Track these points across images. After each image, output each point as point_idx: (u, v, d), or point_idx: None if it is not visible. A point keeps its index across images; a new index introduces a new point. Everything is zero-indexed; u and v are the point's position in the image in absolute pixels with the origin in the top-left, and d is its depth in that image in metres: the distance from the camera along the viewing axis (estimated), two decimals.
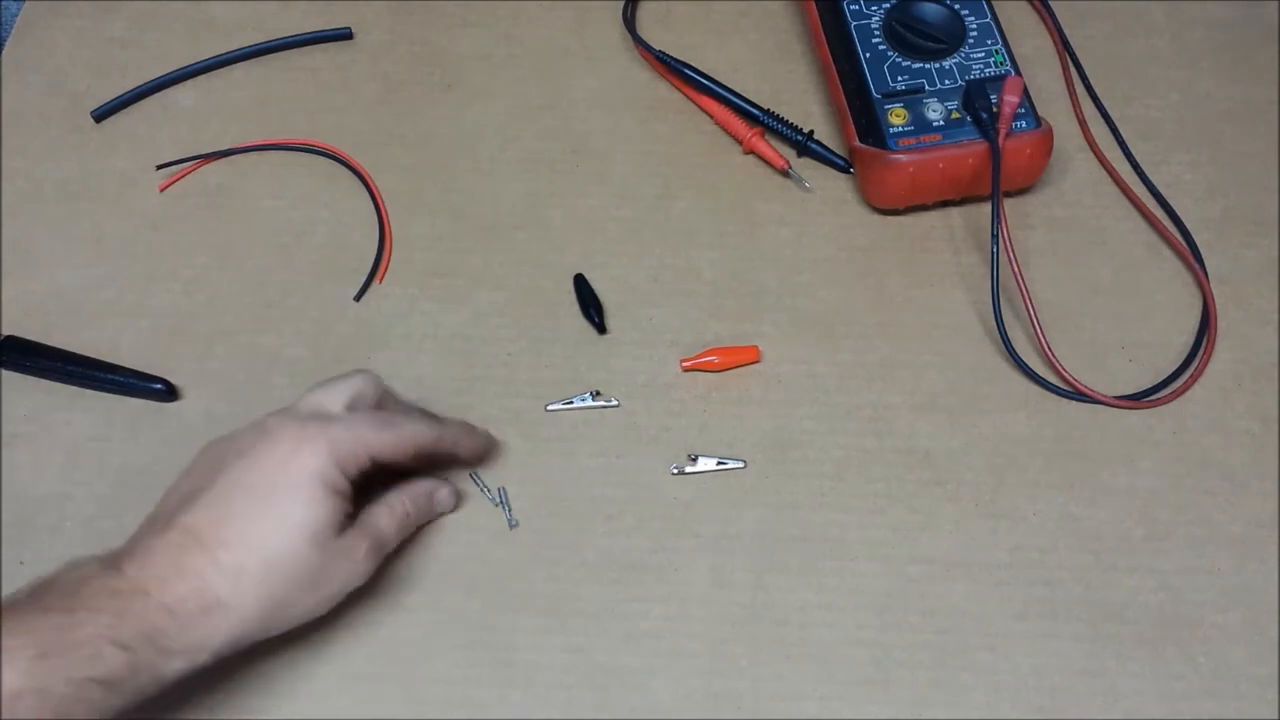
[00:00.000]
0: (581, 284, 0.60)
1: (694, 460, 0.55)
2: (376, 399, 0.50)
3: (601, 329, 0.59)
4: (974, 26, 0.64)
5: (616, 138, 0.67)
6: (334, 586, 0.46)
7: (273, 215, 0.63)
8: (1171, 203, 0.64)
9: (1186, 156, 0.66)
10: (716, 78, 0.67)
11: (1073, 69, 0.70)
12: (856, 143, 0.63)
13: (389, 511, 0.49)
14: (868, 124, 0.62)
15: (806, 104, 0.68)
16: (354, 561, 0.46)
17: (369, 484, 0.49)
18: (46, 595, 0.41)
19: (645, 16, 0.72)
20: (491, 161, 0.66)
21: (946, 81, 0.62)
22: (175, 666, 0.41)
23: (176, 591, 0.42)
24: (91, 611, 0.40)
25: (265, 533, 0.44)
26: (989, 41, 0.63)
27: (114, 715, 0.40)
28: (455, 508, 0.53)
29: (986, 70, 0.62)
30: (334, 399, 0.48)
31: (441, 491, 0.52)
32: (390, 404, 0.52)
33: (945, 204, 0.64)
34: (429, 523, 0.53)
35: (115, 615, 0.40)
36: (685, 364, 0.58)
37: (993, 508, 0.54)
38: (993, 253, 0.58)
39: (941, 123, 0.61)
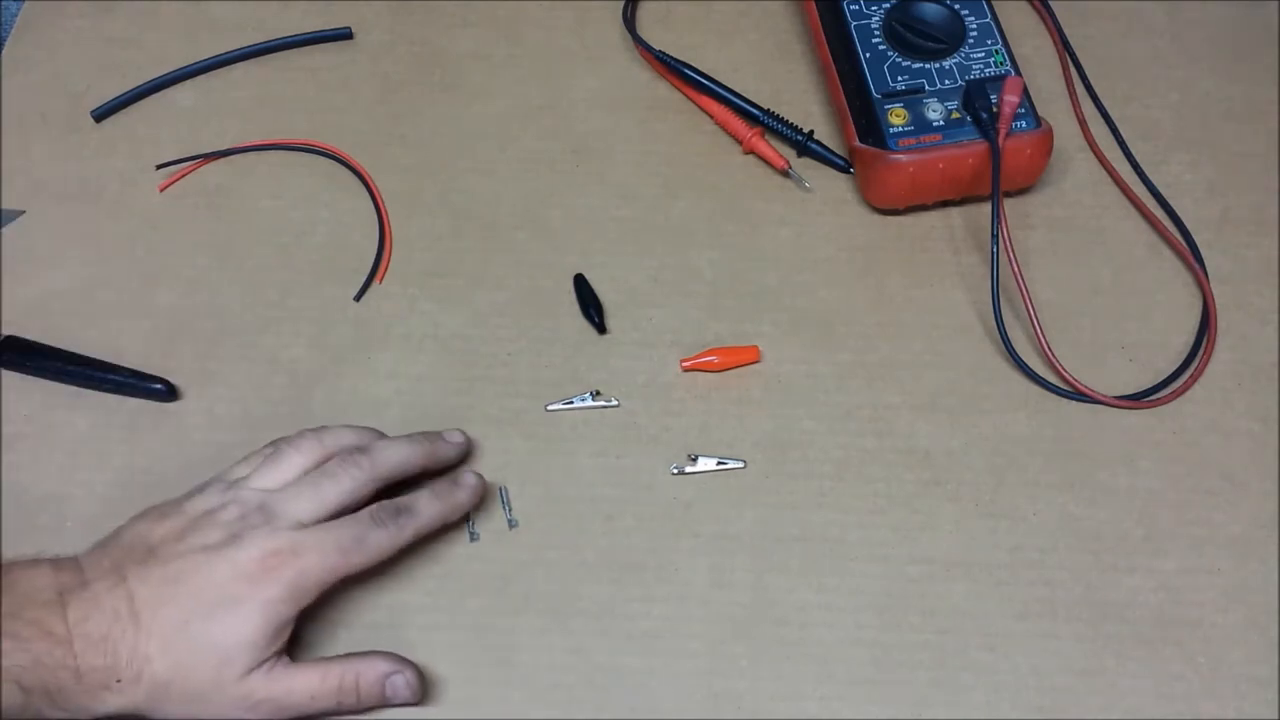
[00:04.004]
0: (581, 284, 0.60)
1: (694, 460, 0.55)
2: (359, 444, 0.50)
3: (601, 329, 0.59)
4: (974, 26, 0.63)
5: (616, 138, 0.67)
6: (231, 712, 0.45)
7: (273, 215, 0.63)
8: (1171, 203, 0.64)
9: (1186, 156, 0.66)
10: (716, 78, 0.67)
11: (1073, 69, 0.70)
12: (856, 143, 0.63)
13: (321, 678, 0.46)
14: (868, 124, 0.62)
15: (806, 104, 0.68)
16: (251, 704, 0.45)
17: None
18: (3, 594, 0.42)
19: (645, 16, 0.72)
20: (491, 161, 0.66)
21: (946, 81, 0.62)
22: (56, 718, 0.42)
23: (93, 661, 0.42)
24: (20, 642, 0.41)
25: (189, 644, 0.43)
26: (989, 41, 0.63)
27: None
28: (414, 699, 0.48)
29: (986, 70, 0.62)
30: (316, 509, 0.47)
31: (396, 679, 0.47)
32: (372, 448, 0.50)
33: (945, 204, 0.64)
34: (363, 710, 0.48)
35: (34, 659, 0.41)
36: (685, 364, 0.58)
37: (993, 508, 0.54)
38: (993, 253, 0.58)
39: (941, 123, 0.61)
